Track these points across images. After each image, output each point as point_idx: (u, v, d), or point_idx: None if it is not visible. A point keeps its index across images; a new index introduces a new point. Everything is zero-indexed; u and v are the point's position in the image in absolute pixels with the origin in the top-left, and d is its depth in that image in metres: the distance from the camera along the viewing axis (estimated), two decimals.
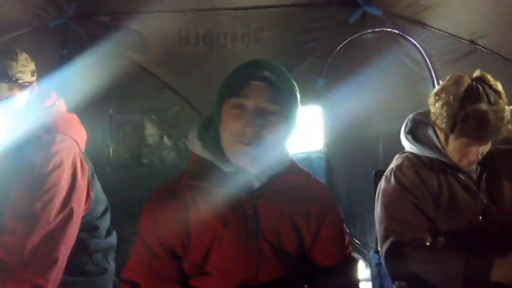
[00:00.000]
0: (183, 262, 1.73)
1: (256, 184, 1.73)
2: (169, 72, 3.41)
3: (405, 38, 3.27)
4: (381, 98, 3.26)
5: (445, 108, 2.04)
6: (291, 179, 1.78)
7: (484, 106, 1.98)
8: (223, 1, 3.30)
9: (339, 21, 3.37)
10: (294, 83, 1.73)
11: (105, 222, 2.40)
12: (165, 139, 3.45)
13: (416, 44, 3.23)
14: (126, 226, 2.42)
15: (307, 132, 3.61)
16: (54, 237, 2.06)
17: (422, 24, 3.15)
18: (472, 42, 2.99)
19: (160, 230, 1.71)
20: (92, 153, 2.42)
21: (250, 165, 1.67)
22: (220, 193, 1.70)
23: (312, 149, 3.63)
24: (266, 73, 1.67)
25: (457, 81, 2.05)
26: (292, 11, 3.35)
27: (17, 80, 2.19)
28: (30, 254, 1.99)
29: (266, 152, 1.67)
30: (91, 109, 2.95)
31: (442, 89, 2.09)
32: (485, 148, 2.09)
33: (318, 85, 3.48)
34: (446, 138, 2.10)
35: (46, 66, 2.55)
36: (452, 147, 2.09)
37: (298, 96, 1.73)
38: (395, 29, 3.28)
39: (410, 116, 2.32)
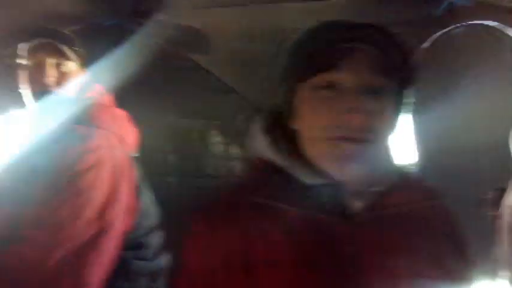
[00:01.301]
0: None
1: (357, 205, 1.18)
2: (233, 74, 3.11)
3: (503, 30, 2.89)
4: (481, 103, 2.83)
5: None
6: (408, 198, 1.25)
7: None
8: None
9: (422, 14, 2.97)
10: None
11: (155, 241, 2.04)
12: (232, 149, 3.14)
13: None
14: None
15: (396, 143, 3.15)
16: (84, 254, 1.71)
17: None
18: None
19: (210, 267, 1.17)
20: (151, 161, 2.11)
21: (353, 174, 1.16)
22: (299, 217, 1.16)
23: (403, 162, 3.21)
24: (366, 30, 1.18)
25: None
26: (368, 3, 2.96)
27: (81, 54, 2.04)
28: (52, 271, 1.65)
29: (377, 152, 1.18)
30: (150, 114, 2.67)
31: None
32: None
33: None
34: None
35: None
36: None
37: (413, 68, 1.25)
38: (490, 21, 2.89)
39: None
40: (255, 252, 1.14)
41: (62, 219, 1.70)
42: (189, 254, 1.24)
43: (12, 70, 2.12)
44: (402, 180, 1.28)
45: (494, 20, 2.89)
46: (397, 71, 1.20)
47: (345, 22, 1.23)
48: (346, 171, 1.16)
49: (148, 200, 2.08)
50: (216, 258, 1.17)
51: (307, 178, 1.18)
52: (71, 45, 2.07)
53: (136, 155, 2.13)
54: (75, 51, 2.07)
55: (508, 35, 2.89)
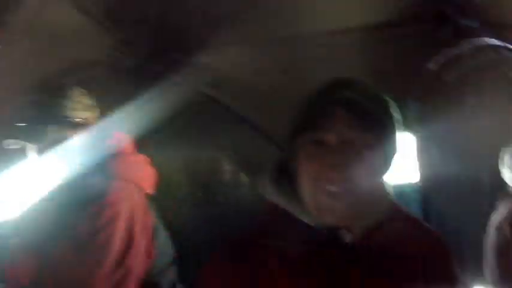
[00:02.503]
0: None
1: (348, 240, 1.35)
2: (246, 107, 3.23)
3: (509, 50, 2.83)
4: (486, 123, 2.79)
5: None
6: (395, 229, 1.39)
7: None
8: (303, 27, 3.04)
9: (429, 38, 2.97)
10: (387, 98, 1.37)
11: (168, 277, 2.12)
12: (242, 177, 3.23)
13: None
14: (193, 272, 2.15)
15: (400, 161, 3.13)
16: None
17: None
18: None
19: None
20: (166, 192, 2.23)
21: (339, 221, 1.32)
22: (303, 254, 1.33)
23: (406, 181, 3.18)
24: (349, 94, 1.32)
25: None
26: (380, 31, 3.03)
27: (67, 118, 2.02)
28: None
29: (360, 198, 1.31)
30: (166, 147, 2.83)
31: None
32: None
33: (411, 110, 3.08)
34: None
35: (114, 105, 2.44)
36: None
37: (395, 116, 1.36)
38: (494, 40, 2.85)
39: None
40: (264, 286, 1.33)
41: (85, 273, 1.80)
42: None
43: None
44: (391, 211, 1.42)
45: (499, 39, 2.85)
46: (379, 126, 1.33)
47: (334, 84, 1.40)
48: (332, 218, 1.32)
49: (163, 240, 2.16)
50: None
51: (306, 219, 1.36)
52: (69, 122, 2.05)
53: (153, 193, 2.19)
54: (74, 123, 2.06)
55: None
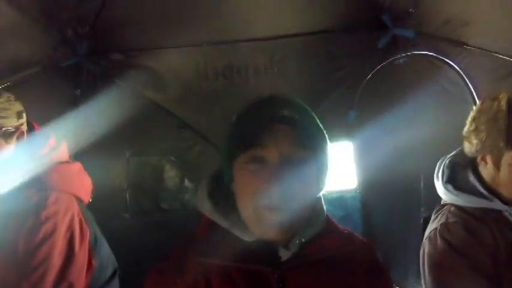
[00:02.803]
0: None
1: (284, 255, 1.36)
2: (188, 111, 3.21)
3: (441, 60, 2.99)
4: (419, 129, 2.96)
5: (493, 124, 1.78)
6: (330, 244, 1.42)
7: None
8: (242, 32, 3.10)
9: (367, 46, 3.14)
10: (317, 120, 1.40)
11: None
12: (186, 182, 3.19)
13: (454, 66, 2.94)
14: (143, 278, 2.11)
15: (339, 169, 3.24)
16: None
17: (459, 43, 2.87)
18: None
19: None
20: (108, 199, 2.16)
21: (278, 235, 1.32)
22: (238, 269, 1.35)
23: (346, 187, 3.29)
24: (285, 112, 1.34)
25: (493, 98, 1.82)
26: (316, 38, 3.14)
27: (6, 131, 1.88)
28: None
29: (299, 214, 1.33)
30: (107, 152, 2.77)
31: (480, 111, 1.85)
32: None
33: (348, 118, 3.19)
34: (497, 167, 1.80)
35: (59, 107, 2.35)
36: (507, 173, 1.77)
37: (326, 135, 1.39)
38: (429, 51, 3.01)
39: (446, 160, 1.99)
40: None
41: None
42: None
43: None
44: (326, 227, 1.43)
45: (434, 50, 3.02)
46: (314, 143, 1.35)
47: (271, 102, 1.38)
48: (272, 233, 1.32)
49: (104, 252, 2.08)
50: None
51: (245, 236, 1.36)
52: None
53: (90, 201, 2.11)
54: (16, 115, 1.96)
55: (446, 64, 3.00)
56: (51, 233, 1.79)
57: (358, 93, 3.20)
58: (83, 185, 2.04)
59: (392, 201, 3.17)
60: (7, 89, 2.57)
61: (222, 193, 1.41)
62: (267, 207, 1.28)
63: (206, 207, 1.40)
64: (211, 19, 3.02)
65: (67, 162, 2.05)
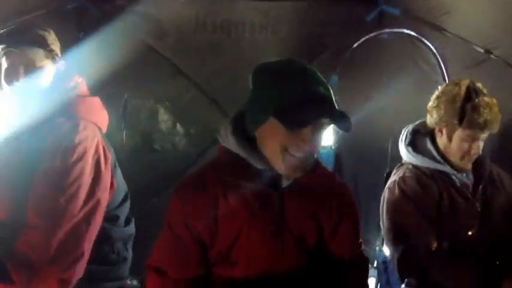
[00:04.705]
0: (208, 250, 1.78)
1: (285, 182, 1.77)
2: (184, 59, 3.38)
3: (421, 41, 3.30)
4: (392, 98, 3.30)
5: (450, 104, 2.23)
6: (317, 179, 1.82)
7: (487, 99, 2.22)
8: None
9: (356, 18, 3.37)
10: None
11: (125, 211, 2.33)
12: (178, 126, 3.43)
13: (432, 48, 3.29)
14: (135, 212, 2.40)
15: None
16: (79, 231, 1.99)
17: (440, 28, 3.20)
18: (486, 51, 3.08)
19: (189, 218, 1.75)
20: (107, 137, 2.39)
21: (295, 173, 1.71)
22: (250, 187, 1.75)
23: (324, 143, 3.62)
24: (321, 89, 1.66)
25: (456, 83, 2.27)
26: (310, 4, 3.35)
27: (51, 50, 2.10)
28: (56, 251, 1.92)
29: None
30: (106, 93, 2.93)
31: (443, 92, 2.30)
32: (482, 145, 2.27)
33: (330, 81, 3.37)
34: (449, 139, 2.25)
35: (62, 49, 2.50)
36: (457, 145, 2.25)
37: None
38: (412, 31, 3.30)
39: (410, 127, 2.45)
40: (221, 208, 1.74)
41: (60, 207, 1.94)
42: (174, 211, 1.79)
43: None
44: (315, 168, 1.81)
45: (416, 31, 3.31)
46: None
47: (308, 79, 1.69)
48: (291, 171, 1.69)
49: (120, 176, 2.30)
50: (195, 213, 1.75)
51: (258, 165, 1.73)
52: (42, 46, 2.11)
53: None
54: (47, 50, 2.12)
55: (425, 45, 3.29)
56: (83, 155, 2.02)
57: (342, 60, 3.45)
58: (103, 116, 2.27)
59: (363, 158, 3.58)
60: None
61: (242, 131, 1.75)
62: (295, 157, 1.64)
63: (231, 141, 1.76)
64: None
65: (89, 95, 2.27)
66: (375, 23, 3.37)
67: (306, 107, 1.61)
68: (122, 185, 2.31)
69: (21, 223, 1.95)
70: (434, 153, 2.32)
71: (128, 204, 2.34)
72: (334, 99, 1.68)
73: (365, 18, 3.35)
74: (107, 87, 2.97)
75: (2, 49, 2.07)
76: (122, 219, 2.30)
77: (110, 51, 3.09)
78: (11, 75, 2.07)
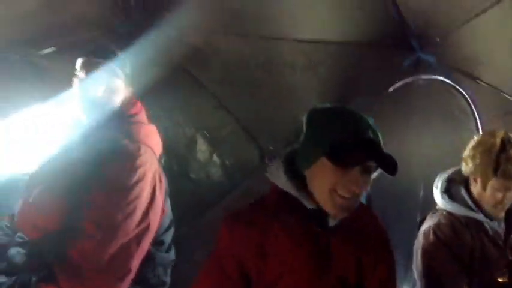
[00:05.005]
0: (252, 286, 1.80)
1: (331, 221, 1.82)
2: (226, 93, 3.44)
3: (456, 89, 3.45)
4: (425, 143, 3.42)
5: (486, 154, 2.33)
6: (358, 216, 1.87)
7: None
8: (287, 32, 3.36)
9: (393, 64, 3.49)
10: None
11: (169, 237, 2.39)
12: (215, 157, 3.45)
13: (467, 96, 3.42)
14: None
15: None
16: (130, 249, 2.07)
17: (474, 77, 3.36)
18: None
19: (237, 253, 1.79)
20: None
21: (342, 213, 1.77)
22: (298, 225, 1.80)
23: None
24: (370, 133, 1.74)
25: (491, 134, 2.38)
26: (351, 48, 3.45)
27: (127, 74, 2.25)
28: (107, 263, 1.99)
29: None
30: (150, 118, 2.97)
31: (479, 142, 2.41)
32: None
33: None
34: (484, 188, 2.33)
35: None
36: (491, 194, 2.34)
37: None
38: (447, 79, 3.45)
39: (445, 175, 2.56)
40: (268, 245, 1.78)
41: (117, 222, 2.02)
42: (224, 245, 1.84)
43: (38, 69, 2.34)
44: (358, 208, 1.85)
45: (451, 79, 3.45)
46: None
47: (358, 123, 1.78)
48: (339, 213, 1.78)
49: (169, 203, 2.40)
50: (244, 248, 1.80)
51: (308, 204, 1.80)
52: (120, 65, 2.26)
53: None
54: (123, 71, 2.26)
55: (459, 93, 3.43)
56: (142, 178, 2.12)
57: (378, 103, 3.52)
58: (159, 144, 2.38)
59: (394, 202, 3.54)
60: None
61: (294, 172, 1.82)
62: (343, 196, 1.71)
63: (282, 180, 1.83)
64: (260, 15, 3.26)
65: (148, 123, 2.40)
66: (412, 70, 3.49)
67: (355, 148, 1.70)
68: (169, 212, 2.39)
69: (72, 235, 2.02)
70: (469, 201, 2.42)
71: (172, 231, 2.41)
72: (381, 143, 1.79)
73: (402, 64, 3.47)
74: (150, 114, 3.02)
75: (87, 60, 2.16)
76: (166, 245, 2.36)
77: (156, 82, 3.11)
78: (90, 88, 2.20)
